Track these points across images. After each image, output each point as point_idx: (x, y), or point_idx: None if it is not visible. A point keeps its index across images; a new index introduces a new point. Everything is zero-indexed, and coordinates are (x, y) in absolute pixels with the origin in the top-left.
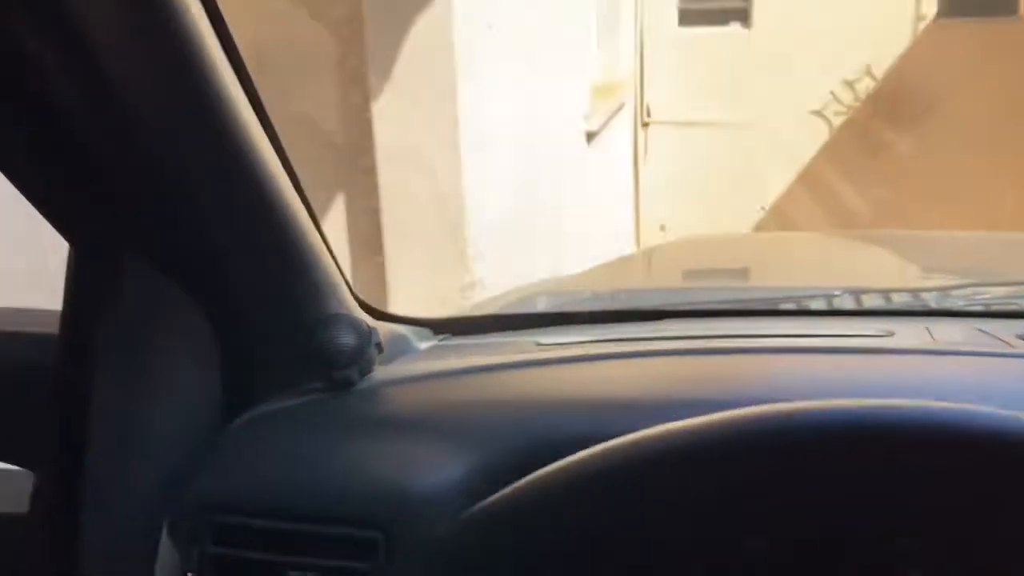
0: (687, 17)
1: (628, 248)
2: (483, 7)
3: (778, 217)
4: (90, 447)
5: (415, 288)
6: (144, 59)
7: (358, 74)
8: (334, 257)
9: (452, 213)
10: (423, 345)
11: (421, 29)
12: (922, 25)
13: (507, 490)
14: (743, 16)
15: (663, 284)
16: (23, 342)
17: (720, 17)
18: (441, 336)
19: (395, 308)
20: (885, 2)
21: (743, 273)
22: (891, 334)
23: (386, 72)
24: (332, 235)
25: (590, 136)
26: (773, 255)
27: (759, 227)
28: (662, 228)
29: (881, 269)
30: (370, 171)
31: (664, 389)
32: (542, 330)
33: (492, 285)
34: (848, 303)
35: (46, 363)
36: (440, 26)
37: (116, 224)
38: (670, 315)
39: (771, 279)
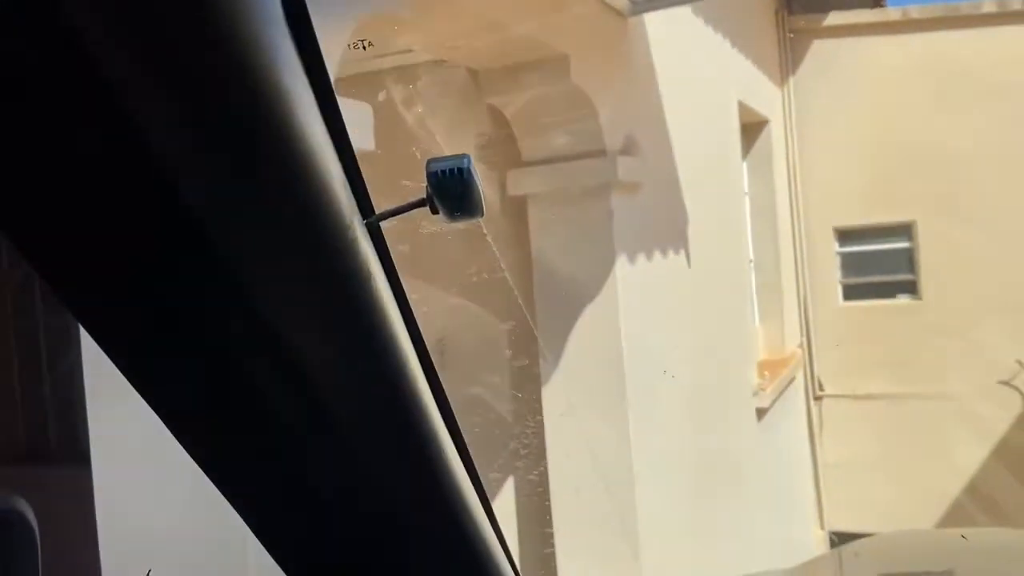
0: (851, 292)
1: (808, 536)
2: (643, 296)
3: (976, 498)
4: None
5: (583, 565)
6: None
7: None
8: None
9: (622, 501)
10: None
11: (588, 321)
12: None
13: None
14: (911, 288)
15: None
16: None
17: (886, 290)
18: None
19: None
20: None
21: None
22: None
23: (554, 359)
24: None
25: (760, 413)
26: (984, 559)
27: (956, 505)
28: (833, 541)
29: None
30: (540, 454)
31: None
32: None
33: (663, 572)
34: None
35: None
36: (606, 317)
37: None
38: None
39: None
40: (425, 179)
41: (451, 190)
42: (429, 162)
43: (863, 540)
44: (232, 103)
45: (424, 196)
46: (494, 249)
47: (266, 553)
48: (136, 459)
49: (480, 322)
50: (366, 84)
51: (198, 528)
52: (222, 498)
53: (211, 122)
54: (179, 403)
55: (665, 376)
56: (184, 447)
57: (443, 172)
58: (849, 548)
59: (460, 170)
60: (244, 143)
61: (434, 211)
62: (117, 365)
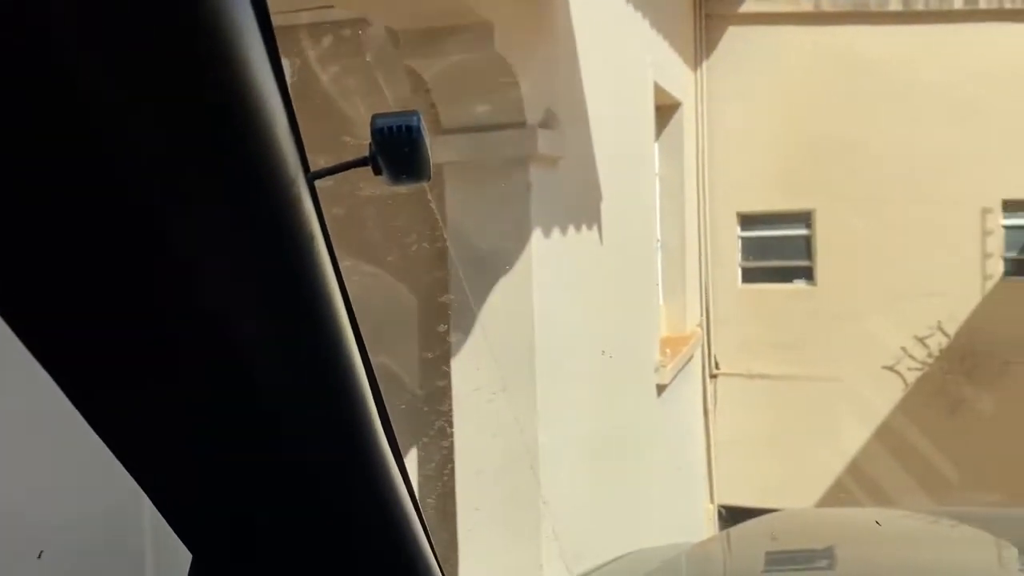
0: (750, 275)
1: (699, 509)
2: (557, 272)
3: (856, 475)
4: None
5: (485, 543)
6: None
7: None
8: (435, 551)
9: (526, 475)
10: None
11: (501, 294)
12: (990, 284)
13: None
14: (807, 274)
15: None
16: None
17: (784, 275)
18: None
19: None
20: (951, 262)
21: (838, 560)
22: None
23: (466, 333)
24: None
25: (660, 389)
26: (866, 538)
27: (838, 484)
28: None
29: (984, 557)
30: (447, 431)
31: None
32: None
33: (565, 549)
34: None
35: None
36: (520, 291)
37: (234, 536)
38: None
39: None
40: (369, 136)
41: (397, 150)
42: (374, 117)
43: (758, 519)
44: (179, 37)
45: (366, 155)
46: (438, 215)
47: (164, 522)
48: (21, 427)
49: (392, 291)
50: (281, 38)
51: (90, 499)
52: (117, 467)
53: (155, 60)
54: (77, 360)
55: (573, 350)
56: (77, 406)
57: (390, 129)
58: (744, 526)
59: (409, 128)
60: (190, 81)
61: (377, 172)
62: (7, 319)
